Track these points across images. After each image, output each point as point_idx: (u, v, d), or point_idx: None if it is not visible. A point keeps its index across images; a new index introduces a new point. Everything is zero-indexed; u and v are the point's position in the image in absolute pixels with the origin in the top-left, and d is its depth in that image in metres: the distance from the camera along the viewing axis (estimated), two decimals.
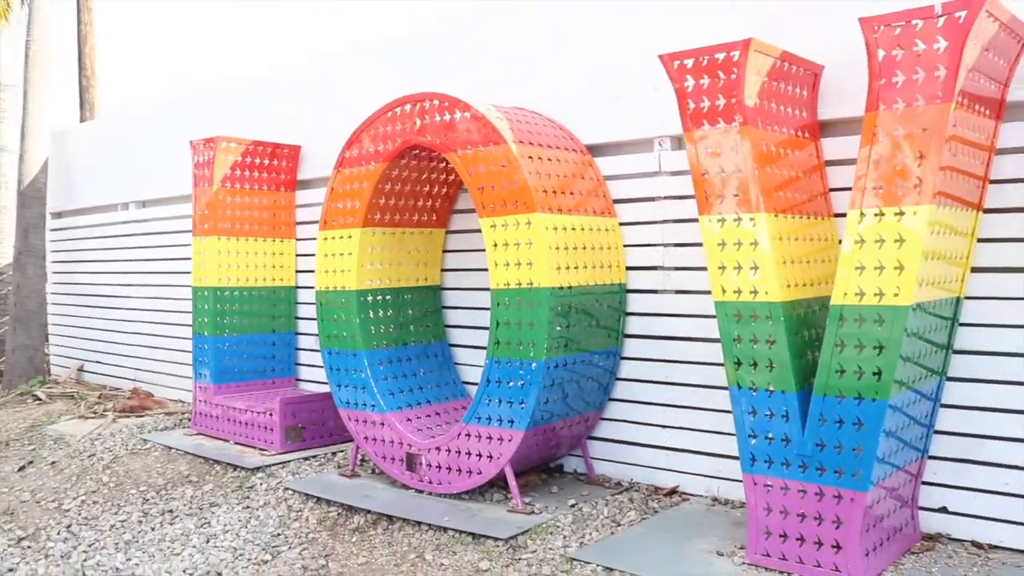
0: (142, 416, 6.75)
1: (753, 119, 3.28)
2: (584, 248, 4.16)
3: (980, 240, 3.47)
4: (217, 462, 5.33)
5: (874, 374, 3.02)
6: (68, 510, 4.83)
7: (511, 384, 4.06)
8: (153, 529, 4.50)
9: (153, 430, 6.25)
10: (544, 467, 4.72)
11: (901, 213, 2.95)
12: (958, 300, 3.45)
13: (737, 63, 3.26)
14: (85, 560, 4.18)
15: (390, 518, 4.20)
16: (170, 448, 5.70)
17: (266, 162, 6.17)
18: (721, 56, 3.30)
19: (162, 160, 7.38)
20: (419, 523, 4.08)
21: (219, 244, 5.95)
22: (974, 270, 3.49)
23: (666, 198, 4.26)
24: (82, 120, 12.31)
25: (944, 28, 2.89)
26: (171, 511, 4.71)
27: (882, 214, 2.98)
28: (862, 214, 3.02)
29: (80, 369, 8.66)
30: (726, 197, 3.32)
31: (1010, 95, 3.37)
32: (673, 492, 4.31)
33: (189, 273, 6.32)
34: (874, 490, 3.14)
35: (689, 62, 3.39)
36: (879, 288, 2.99)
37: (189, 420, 6.37)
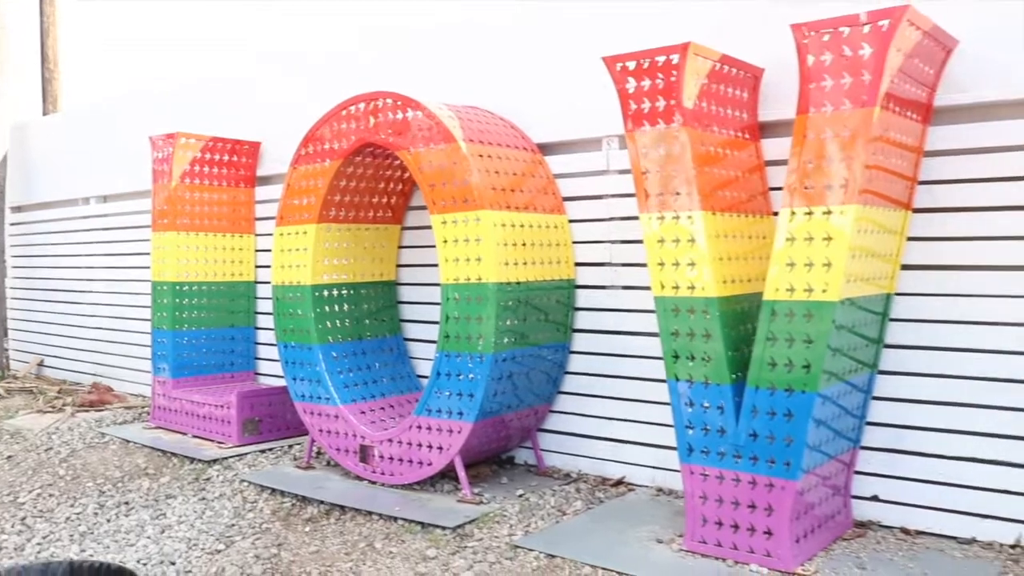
0: (101, 410, 6.78)
1: (691, 120, 3.39)
2: (533, 244, 4.27)
3: (910, 239, 3.61)
4: (174, 455, 5.39)
5: (803, 367, 3.14)
6: (23, 503, 4.87)
7: (460, 377, 4.15)
8: (108, 521, 4.55)
9: (112, 424, 6.30)
10: (495, 459, 4.83)
11: (829, 212, 3.08)
12: (889, 296, 3.59)
13: (676, 66, 3.37)
14: (39, 552, 4.23)
15: (343, 508, 4.28)
16: (128, 441, 5.75)
17: (226, 158, 6.22)
18: (661, 59, 3.41)
19: (123, 155, 7.40)
20: (371, 513, 4.17)
21: (178, 239, 5.99)
22: (904, 267, 3.63)
23: (614, 196, 4.38)
24: (45, 113, 12.26)
25: (869, 35, 3.01)
26: (127, 503, 4.76)
27: (811, 213, 3.11)
28: (793, 213, 3.15)
29: (40, 364, 8.66)
30: (665, 195, 3.43)
31: (937, 100, 3.51)
32: (620, 483, 4.43)
33: (149, 268, 6.36)
34: (804, 478, 3.26)
35: (631, 64, 3.49)
36: (808, 284, 3.11)
37: (148, 414, 6.41)
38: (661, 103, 3.42)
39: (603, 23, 4.46)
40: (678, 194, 3.40)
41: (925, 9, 3.31)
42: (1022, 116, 3.42)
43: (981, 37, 3.44)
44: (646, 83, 3.46)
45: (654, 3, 4.28)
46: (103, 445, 5.73)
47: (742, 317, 3.45)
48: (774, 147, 3.89)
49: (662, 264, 3.45)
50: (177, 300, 5.99)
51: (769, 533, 3.29)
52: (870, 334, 3.52)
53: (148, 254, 6.60)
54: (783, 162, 3.80)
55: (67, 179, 8.24)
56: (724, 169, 3.59)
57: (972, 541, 3.55)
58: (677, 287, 3.42)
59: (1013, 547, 3.46)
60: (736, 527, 3.36)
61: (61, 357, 8.42)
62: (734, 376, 3.36)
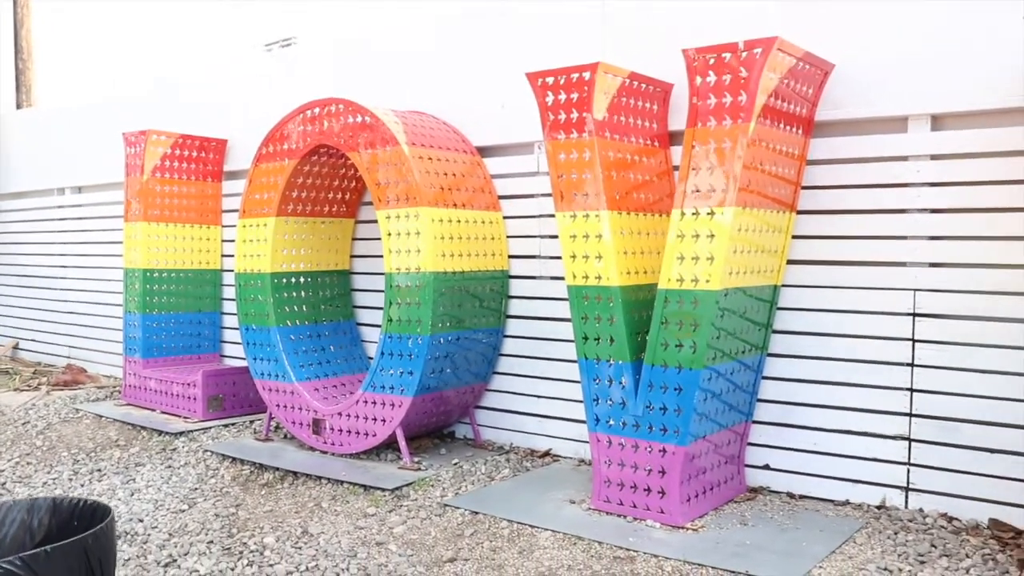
0: (75, 389, 7.19)
1: (601, 130, 3.86)
2: (470, 238, 4.73)
3: (796, 236, 4.10)
4: (144, 428, 5.82)
5: (691, 347, 3.62)
6: (2, 470, 5.28)
7: (402, 357, 4.61)
8: (82, 485, 4.97)
9: (85, 401, 6.71)
10: (437, 433, 5.30)
11: (712, 213, 3.55)
12: (776, 287, 4.08)
13: (588, 82, 3.84)
14: None
15: (296, 474, 4.73)
16: (101, 416, 6.17)
17: (194, 154, 6.63)
18: (576, 76, 3.88)
19: (97, 148, 7.80)
20: (320, 478, 4.63)
21: (149, 229, 6.41)
22: (791, 262, 4.12)
23: (543, 195, 4.84)
24: (18, 103, 12.57)
25: (746, 61, 3.49)
26: (99, 470, 5.18)
27: (697, 213, 3.58)
28: (682, 213, 3.62)
29: (15, 347, 9.04)
30: (577, 196, 3.90)
31: (818, 115, 4.00)
32: (547, 454, 4.91)
33: (121, 256, 6.77)
34: (694, 445, 3.74)
35: (550, 80, 3.96)
36: (695, 275, 3.59)
37: (119, 392, 6.83)
38: (575, 115, 3.89)
39: (535, 39, 4.92)
40: (587, 195, 3.87)
41: (806, 37, 3.81)
42: (887, 131, 3.92)
43: (853, 62, 3.93)
44: (562, 97, 3.92)
45: (578, 25, 4.75)
46: (77, 420, 6.15)
47: (642, 304, 3.92)
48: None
49: (574, 257, 3.93)
50: (147, 286, 6.41)
51: (663, 493, 3.77)
52: (758, 319, 4.01)
53: (120, 242, 7.01)
54: None
55: (43, 170, 8.62)
56: (633, 173, 4.07)
57: (846, 503, 4.05)
58: (587, 277, 3.90)
59: (879, 507, 3.96)
60: (635, 488, 3.84)
61: (36, 340, 8.81)
62: (634, 355, 3.84)
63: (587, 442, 4.74)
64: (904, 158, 3.88)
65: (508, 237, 5.02)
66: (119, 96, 7.87)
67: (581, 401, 4.76)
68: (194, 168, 6.63)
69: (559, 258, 4.80)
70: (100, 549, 2.57)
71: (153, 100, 7.44)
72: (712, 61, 3.57)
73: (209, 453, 5.21)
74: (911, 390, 3.90)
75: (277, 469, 4.82)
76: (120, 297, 7.02)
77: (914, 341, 3.88)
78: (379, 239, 5.60)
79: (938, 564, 3.35)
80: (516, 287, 5.04)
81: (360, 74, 5.80)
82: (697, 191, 3.59)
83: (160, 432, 5.71)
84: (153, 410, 6.28)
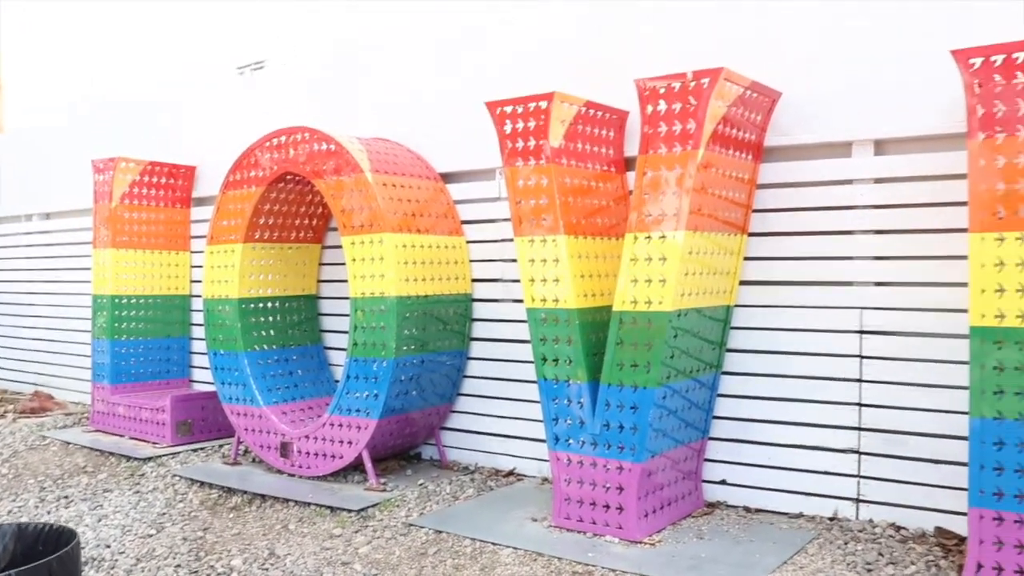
0: (42, 416, 7.21)
1: (557, 157, 3.99)
2: (433, 263, 4.84)
3: (747, 258, 4.24)
4: (112, 454, 5.86)
5: (645, 367, 3.74)
6: None
7: (367, 380, 4.70)
8: (49, 513, 5.00)
9: (52, 428, 6.73)
10: (403, 454, 5.38)
11: (664, 236, 3.68)
12: (729, 307, 4.21)
13: (544, 111, 3.97)
14: None
15: (263, 497, 4.80)
16: (68, 443, 6.20)
17: (163, 180, 6.70)
18: (533, 105, 4.01)
19: (66, 175, 7.84)
20: (287, 500, 4.69)
21: (117, 255, 6.46)
22: (743, 283, 4.26)
23: (504, 220, 4.96)
24: None
25: (694, 91, 3.63)
26: (67, 497, 5.22)
27: (650, 237, 3.71)
28: (635, 237, 3.75)
29: None
30: (535, 221, 4.02)
31: (767, 141, 4.15)
32: (511, 474, 5.01)
33: (89, 282, 6.82)
34: (650, 461, 3.86)
35: (508, 109, 4.09)
36: (648, 297, 3.71)
37: (87, 419, 6.86)
38: (532, 142, 4.01)
39: (497, 71, 5.06)
40: (545, 220, 3.99)
41: (755, 68, 3.96)
42: (833, 156, 4.07)
43: (800, 90, 4.09)
44: (520, 125, 4.05)
45: (536, 55, 4.90)
46: (44, 447, 6.18)
47: (599, 325, 4.04)
48: None
49: (532, 280, 4.04)
50: (116, 312, 6.46)
51: (620, 509, 3.87)
52: (712, 339, 4.14)
53: (88, 269, 7.05)
54: None
55: (11, 196, 8.64)
56: (589, 198, 4.19)
57: (799, 515, 4.18)
58: (545, 300, 4.01)
59: (831, 519, 4.09)
60: (594, 504, 3.94)
61: (3, 368, 8.80)
62: (591, 375, 3.95)
63: (549, 461, 4.85)
64: (849, 182, 4.03)
65: (471, 261, 5.13)
66: (87, 121, 7.92)
67: (543, 420, 4.86)
68: (163, 195, 6.70)
69: (520, 281, 4.92)
70: (65, 573, 2.64)
71: (121, 125, 7.51)
72: (662, 90, 3.71)
73: (177, 478, 5.26)
74: (860, 405, 4.04)
75: (245, 492, 4.88)
76: (88, 323, 7.06)
77: (861, 357, 4.02)
78: (345, 264, 5.68)
79: (884, 571, 3.47)
80: (480, 310, 5.14)
81: (327, 101, 5.91)
82: (649, 216, 3.72)
83: (128, 458, 5.75)
84: (121, 436, 6.31)
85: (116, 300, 6.46)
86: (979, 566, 3.17)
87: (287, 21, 6.36)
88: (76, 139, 7.86)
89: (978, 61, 3.11)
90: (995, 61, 3.08)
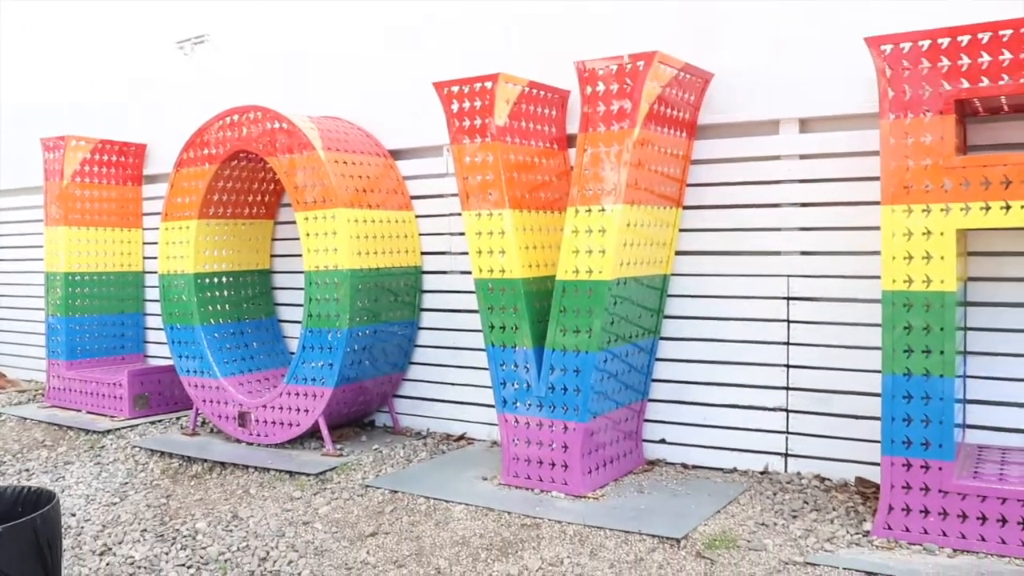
0: None
1: (502, 135, 4.20)
2: (384, 237, 5.03)
3: (682, 230, 4.50)
4: (71, 428, 5.98)
5: (586, 332, 3.98)
6: None
7: (322, 350, 4.90)
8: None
9: (7, 405, 6.82)
10: (358, 422, 5.59)
11: (603, 210, 3.92)
12: (666, 276, 4.47)
13: (490, 91, 4.17)
14: None
15: (223, 465, 4.98)
16: (25, 419, 6.31)
17: (114, 159, 6.79)
18: (479, 85, 4.21)
19: (14, 153, 7.87)
20: (247, 467, 4.88)
21: (70, 233, 6.55)
22: (679, 253, 4.52)
23: (452, 195, 5.17)
24: None
25: (630, 72, 3.86)
26: (27, 470, 5.34)
27: (590, 210, 3.95)
28: (576, 210, 3.98)
29: None
30: (481, 196, 4.24)
31: (700, 119, 4.40)
32: (462, 438, 5.24)
33: (40, 260, 6.89)
34: (592, 422, 4.11)
35: (456, 89, 4.28)
36: (589, 267, 3.95)
37: (43, 396, 6.96)
38: (478, 121, 4.22)
39: (444, 52, 5.25)
40: (491, 195, 4.21)
41: (689, 49, 4.21)
42: (762, 133, 4.33)
43: (731, 71, 4.35)
44: (466, 104, 4.25)
45: (482, 38, 5.10)
46: (0, 423, 6.27)
47: (543, 294, 4.27)
48: None
49: (480, 252, 4.26)
50: (70, 289, 6.55)
51: (566, 466, 4.13)
52: (650, 306, 4.40)
53: (40, 247, 7.12)
54: None
55: None
56: (533, 174, 4.41)
57: (733, 470, 4.47)
58: (492, 270, 4.24)
59: (762, 473, 4.39)
60: (540, 463, 4.19)
61: None
62: (536, 342, 4.19)
63: (498, 424, 5.09)
64: (777, 157, 4.30)
65: (420, 235, 5.33)
66: (35, 100, 7.94)
67: (491, 387, 5.10)
68: (114, 172, 6.79)
69: (467, 254, 5.13)
70: (48, 530, 2.81)
71: (70, 103, 7.55)
72: (601, 72, 3.94)
73: (138, 449, 5.42)
74: (787, 366, 4.33)
75: (205, 461, 5.06)
76: (40, 301, 7.14)
77: (789, 322, 4.31)
78: (298, 239, 5.83)
79: (808, 517, 3.77)
80: (429, 282, 5.36)
81: (276, 79, 6.04)
82: (589, 190, 3.96)
83: (87, 431, 5.88)
84: (79, 411, 6.43)
85: (69, 277, 6.55)
86: (890, 508, 3.47)
87: None
88: (26, 119, 7.87)
89: (888, 48, 3.37)
90: (904, 48, 3.34)
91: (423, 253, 5.35)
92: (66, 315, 6.54)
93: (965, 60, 3.25)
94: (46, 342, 6.76)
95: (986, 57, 3.21)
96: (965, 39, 3.24)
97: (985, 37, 3.20)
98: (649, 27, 4.55)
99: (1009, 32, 3.16)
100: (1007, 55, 3.17)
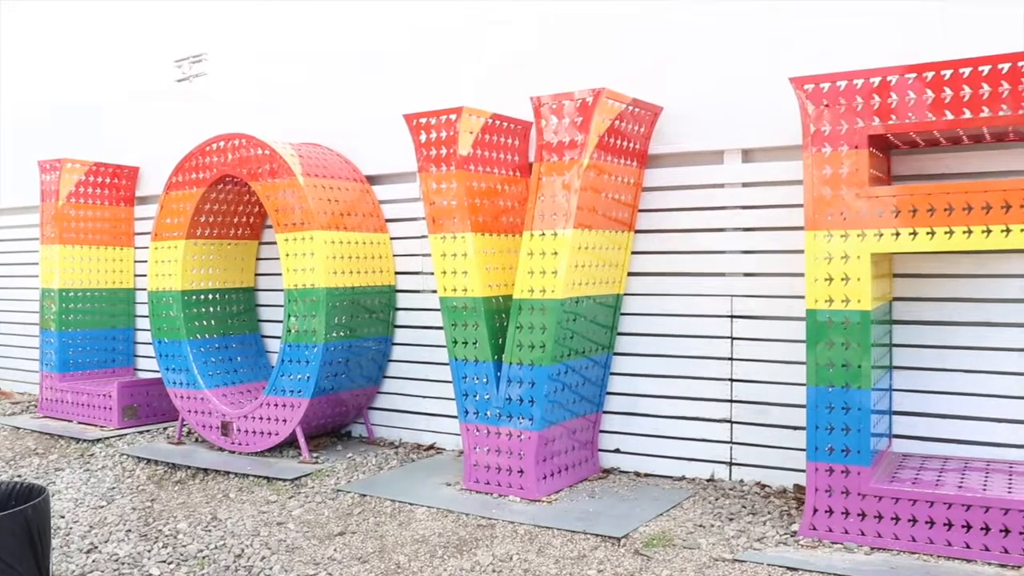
0: None
1: (465, 164, 4.53)
2: (360, 257, 5.35)
3: (635, 252, 4.82)
4: (61, 437, 6.28)
5: (541, 347, 4.30)
6: None
7: (300, 363, 5.21)
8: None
9: (1, 415, 7.12)
10: (335, 433, 5.89)
11: (555, 234, 4.24)
12: (619, 295, 4.79)
13: (454, 123, 4.50)
14: None
15: (206, 471, 5.28)
16: (18, 428, 6.60)
17: (108, 180, 7.12)
18: (444, 118, 4.54)
19: (14, 172, 8.20)
20: (228, 473, 5.18)
21: (64, 251, 6.87)
22: (632, 274, 4.84)
23: (423, 219, 5.49)
24: None
25: (580, 107, 4.20)
26: (19, 476, 5.63)
27: (544, 234, 4.27)
28: (531, 234, 4.31)
29: None
30: (446, 221, 4.56)
31: (651, 149, 4.73)
32: (431, 448, 5.55)
33: (35, 276, 7.22)
34: (547, 430, 4.42)
35: (424, 120, 4.62)
36: (543, 287, 4.27)
37: (36, 407, 7.26)
38: (444, 151, 4.55)
39: (416, 86, 5.59)
40: (455, 219, 4.53)
41: (639, 85, 4.55)
42: (707, 163, 4.67)
43: (679, 105, 4.68)
44: (433, 135, 4.59)
45: (458, 74, 5.44)
46: None
47: (502, 312, 4.59)
48: None
49: (444, 272, 4.59)
50: (63, 305, 6.87)
51: (521, 472, 4.43)
52: (604, 323, 4.72)
53: (35, 264, 7.44)
54: None
55: None
56: (496, 200, 4.74)
57: (682, 478, 4.77)
58: (456, 289, 4.56)
59: (708, 480, 4.69)
60: (499, 469, 4.50)
61: None
62: (496, 356, 4.50)
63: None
64: (721, 185, 4.63)
65: (394, 256, 5.66)
66: (32, 121, 8.29)
67: None
68: (108, 194, 7.12)
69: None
70: (39, 521, 3.12)
71: (65, 125, 7.89)
72: (554, 106, 4.27)
73: (125, 456, 5.71)
74: (731, 380, 4.64)
75: (189, 467, 5.35)
76: (34, 316, 7.45)
77: (733, 339, 4.63)
78: (278, 258, 6.17)
79: (743, 520, 4.07)
80: (402, 300, 5.68)
81: (262, 106, 6.38)
82: (543, 215, 4.28)
83: (78, 440, 6.17)
84: (70, 421, 6.73)
85: (64, 293, 6.87)
86: (815, 510, 3.77)
87: (224, 25, 6.80)
88: (24, 138, 8.21)
89: (811, 87, 3.70)
90: (824, 88, 3.67)
91: (397, 273, 5.67)
92: (59, 330, 6.85)
93: (877, 100, 3.58)
94: (40, 355, 7.06)
95: (895, 97, 3.54)
96: (877, 80, 3.57)
97: (894, 79, 3.54)
98: (606, 64, 4.88)
99: (914, 76, 3.50)
100: (912, 96, 3.50)
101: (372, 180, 5.77)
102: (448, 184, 4.54)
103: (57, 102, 8.05)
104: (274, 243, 6.20)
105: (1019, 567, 3.35)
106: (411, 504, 4.44)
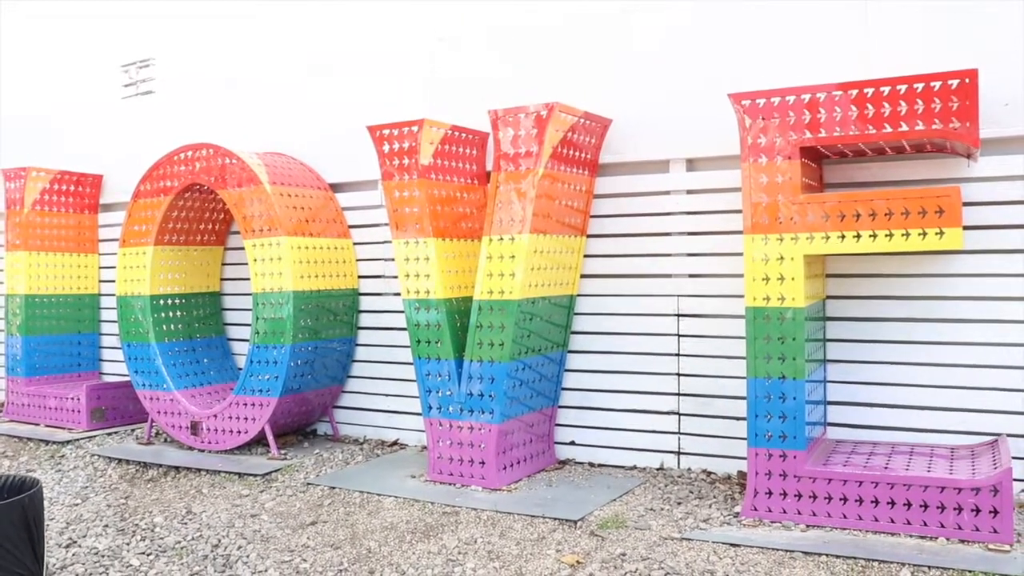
0: None
1: (427, 173, 4.79)
2: (324, 262, 5.59)
3: (587, 256, 5.12)
4: (30, 439, 6.43)
5: (499, 345, 4.58)
6: None
7: (268, 363, 5.43)
8: None
9: None
10: (301, 431, 6.12)
11: (513, 239, 4.52)
12: (572, 296, 5.08)
13: (416, 135, 4.77)
14: None
15: (178, 469, 5.48)
16: None
17: (72, 188, 7.27)
18: (406, 129, 4.80)
19: None
20: (199, 470, 5.39)
21: (29, 258, 7.01)
22: (584, 276, 5.14)
23: (385, 225, 5.75)
24: None
25: (535, 120, 4.48)
26: None
27: (502, 239, 4.55)
28: (490, 239, 4.58)
29: None
30: (408, 227, 4.83)
31: (601, 159, 5.03)
32: (395, 444, 5.80)
33: (2, 283, 7.34)
34: (506, 424, 4.69)
35: (387, 132, 4.87)
36: (501, 288, 4.55)
37: (2, 411, 7.37)
38: (406, 160, 4.81)
39: (380, 98, 5.85)
40: (417, 226, 4.79)
41: (592, 98, 4.84)
42: (654, 171, 4.98)
43: (627, 118, 4.99)
44: (396, 146, 4.84)
45: (411, 85, 5.70)
46: None
47: (462, 312, 4.86)
48: None
49: (408, 275, 4.85)
50: (29, 310, 7.01)
51: (483, 463, 4.70)
52: (558, 322, 5.01)
53: (0, 270, 7.56)
54: None
55: None
56: (455, 207, 5.01)
57: (633, 468, 5.07)
58: (419, 292, 4.82)
59: (658, 469, 5.00)
60: (461, 460, 4.77)
61: None
62: (457, 354, 4.77)
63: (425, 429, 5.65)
64: (667, 192, 4.94)
65: (357, 260, 5.91)
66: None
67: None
68: (72, 201, 7.27)
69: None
70: (34, 510, 3.32)
71: (22, 134, 8.01)
72: (510, 119, 4.55)
73: (96, 457, 5.89)
74: (678, 375, 4.95)
75: (160, 466, 5.55)
76: (0, 322, 7.57)
77: (679, 336, 4.94)
78: (246, 264, 6.38)
79: (690, 503, 4.38)
80: (365, 303, 5.93)
81: (224, 116, 6.59)
82: (501, 221, 4.56)
83: (47, 442, 6.33)
84: (37, 424, 6.87)
85: (29, 299, 7.01)
86: (756, 492, 4.09)
87: (176, 32, 6.99)
88: None
89: (748, 102, 4.02)
90: (759, 103, 4.00)
91: (360, 277, 5.92)
92: (25, 334, 6.99)
93: (808, 115, 3.91)
94: (6, 360, 7.19)
95: (824, 112, 3.87)
96: (808, 97, 3.90)
97: (823, 96, 3.87)
98: (559, 79, 5.17)
99: (840, 93, 3.84)
100: (838, 112, 3.84)
101: (335, 188, 6.01)
102: (411, 192, 4.80)
103: (10, 113, 8.16)
104: (239, 249, 6.42)
105: (936, 538, 3.69)
106: (379, 495, 4.69)
